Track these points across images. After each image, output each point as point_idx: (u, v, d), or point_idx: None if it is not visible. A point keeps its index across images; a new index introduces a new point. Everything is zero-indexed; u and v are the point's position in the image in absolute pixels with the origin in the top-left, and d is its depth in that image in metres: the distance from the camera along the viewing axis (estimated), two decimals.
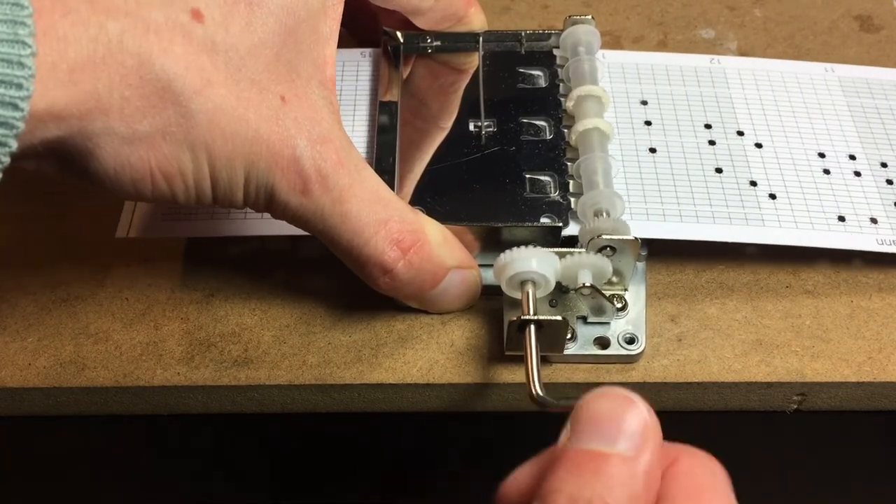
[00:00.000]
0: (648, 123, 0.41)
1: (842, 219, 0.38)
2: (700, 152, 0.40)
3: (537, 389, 0.31)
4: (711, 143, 0.40)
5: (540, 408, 0.31)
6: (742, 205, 0.38)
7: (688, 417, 0.38)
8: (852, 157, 0.40)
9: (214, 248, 0.40)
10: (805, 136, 0.41)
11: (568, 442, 0.25)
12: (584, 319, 0.37)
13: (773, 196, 0.38)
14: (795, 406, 0.38)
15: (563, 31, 0.42)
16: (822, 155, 0.40)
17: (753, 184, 0.39)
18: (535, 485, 0.25)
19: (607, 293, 0.36)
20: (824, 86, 0.43)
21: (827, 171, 0.40)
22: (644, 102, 0.42)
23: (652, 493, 0.25)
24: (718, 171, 0.39)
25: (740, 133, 0.41)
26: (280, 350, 0.37)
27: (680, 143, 0.40)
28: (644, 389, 0.37)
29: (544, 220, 0.37)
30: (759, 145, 0.40)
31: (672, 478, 0.25)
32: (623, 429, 0.25)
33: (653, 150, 0.40)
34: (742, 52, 0.48)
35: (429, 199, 0.37)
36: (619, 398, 0.26)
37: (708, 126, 0.41)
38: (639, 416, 0.25)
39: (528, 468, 0.26)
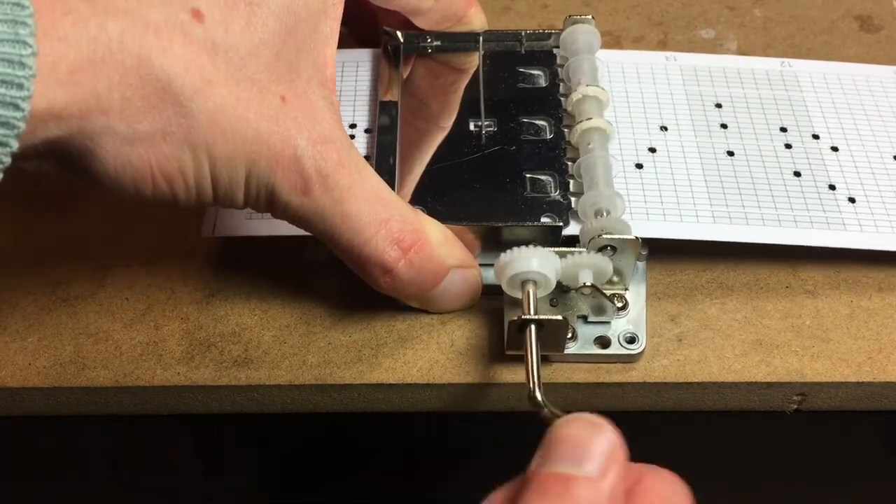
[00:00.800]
0: (724, 126, 0.41)
1: None
2: (777, 156, 0.40)
3: (536, 390, 0.31)
4: (788, 146, 0.40)
5: (533, 408, 0.31)
6: (822, 208, 0.38)
7: (688, 417, 0.38)
8: None
9: (214, 248, 0.40)
10: (879, 139, 0.41)
11: (538, 466, 0.26)
12: (584, 319, 0.37)
13: (852, 200, 0.38)
14: (795, 406, 0.38)
15: (563, 30, 0.42)
16: None
17: (832, 187, 0.39)
18: None
19: (608, 293, 0.36)
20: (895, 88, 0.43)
21: None
22: (719, 105, 0.42)
23: None
24: (797, 174, 0.39)
25: (815, 136, 0.41)
26: (280, 350, 0.37)
27: (757, 146, 0.40)
28: (644, 389, 0.37)
29: (545, 220, 0.37)
30: (835, 149, 0.40)
31: (637, 496, 0.26)
32: (589, 451, 0.26)
33: (731, 154, 0.40)
34: (742, 52, 0.48)
35: (429, 198, 0.37)
36: (587, 423, 0.27)
37: (783, 129, 0.41)
38: (605, 440, 0.27)
39: (503, 492, 0.27)
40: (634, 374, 0.36)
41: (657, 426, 0.38)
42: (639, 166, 0.39)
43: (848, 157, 0.40)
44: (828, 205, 0.38)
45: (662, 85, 0.43)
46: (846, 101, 0.42)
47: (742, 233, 0.37)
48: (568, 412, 0.29)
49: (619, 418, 0.38)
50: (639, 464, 0.27)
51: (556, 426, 0.27)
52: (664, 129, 0.41)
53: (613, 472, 0.26)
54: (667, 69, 0.43)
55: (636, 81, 0.43)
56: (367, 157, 0.39)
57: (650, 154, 0.40)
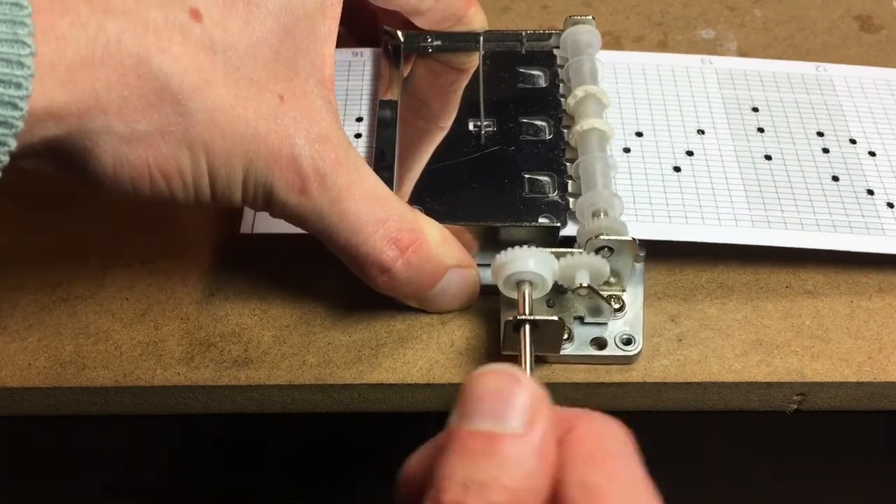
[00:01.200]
0: (761, 130, 0.41)
1: None
2: (815, 160, 0.40)
3: None
4: (825, 150, 0.40)
5: None
6: (861, 213, 0.38)
7: (688, 417, 0.38)
8: None
9: (214, 248, 0.40)
10: None
11: (457, 424, 0.25)
12: (581, 320, 0.37)
13: (890, 205, 0.38)
14: (795, 406, 0.38)
15: (563, 31, 0.42)
16: None
17: (871, 192, 0.39)
18: (429, 470, 0.25)
19: (605, 294, 0.36)
20: None
21: None
22: (755, 109, 0.42)
23: (549, 465, 0.24)
24: (835, 179, 0.39)
25: (853, 141, 0.41)
26: (280, 350, 0.37)
27: (794, 150, 0.40)
28: (644, 389, 0.37)
29: (542, 220, 0.37)
30: (872, 153, 0.40)
31: (569, 445, 0.25)
32: (511, 406, 0.24)
33: (768, 158, 0.40)
34: (742, 53, 0.48)
35: (428, 198, 0.37)
36: (504, 375, 0.25)
37: (820, 134, 0.41)
38: (527, 391, 0.25)
39: (423, 452, 0.26)
40: (634, 374, 0.36)
41: (657, 426, 0.38)
42: (677, 169, 0.39)
43: (885, 162, 0.40)
44: (867, 210, 0.38)
45: (699, 88, 0.43)
46: (882, 106, 0.43)
47: (781, 237, 0.37)
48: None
49: (618, 418, 0.38)
50: (570, 409, 0.26)
51: (471, 378, 0.25)
52: (701, 132, 0.41)
53: (540, 424, 0.24)
54: (703, 72, 0.43)
55: (672, 84, 0.43)
56: (366, 157, 0.39)
57: (688, 157, 0.40)
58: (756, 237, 0.37)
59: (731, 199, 0.38)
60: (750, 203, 0.38)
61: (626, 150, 0.40)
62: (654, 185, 0.38)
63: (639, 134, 0.41)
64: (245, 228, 0.38)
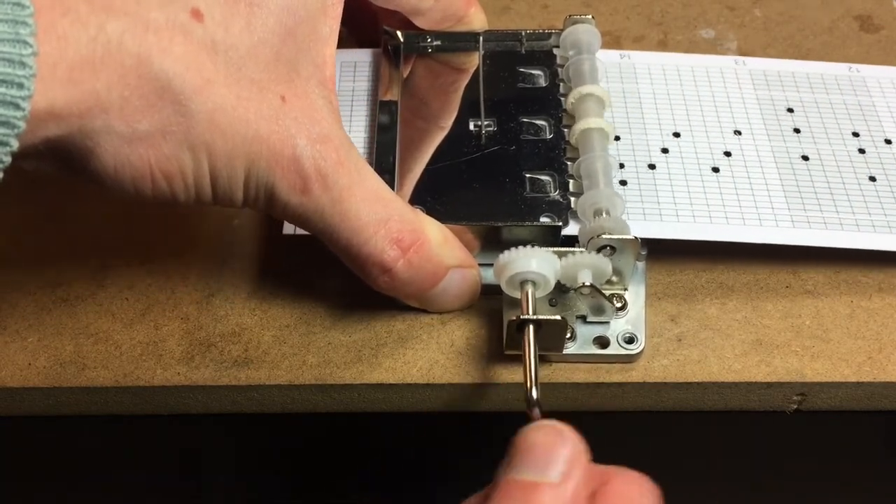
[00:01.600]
0: (797, 131, 0.41)
1: None
2: (852, 161, 0.40)
3: (533, 390, 0.31)
4: (861, 151, 0.41)
5: (527, 408, 0.31)
6: None
7: (688, 417, 0.38)
8: None
9: (214, 248, 0.40)
10: None
11: (503, 474, 0.27)
12: (583, 319, 0.37)
13: None
14: (795, 406, 0.38)
15: (563, 30, 0.42)
16: None
17: None
18: None
19: (607, 293, 0.36)
20: None
21: None
22: (790, 110, 0.42)
23: None
24: (872, 179, 0.39)
25: (888, 141, 0.41)
26: (280, 350, 0.37)
27: (831, 151, 0.40)
28: (644, 389, 0.37)
29: (544, 220, 0.37)
30: None
31: (603, 498, 0.27)
32: (552, 458, 0.27)
33: (805, 158, 0.40)
34: (742, 52, 0.48)
35: (429, 198, 0.37)
36: (550, 430, 0.28)
37: (855, 134, 0.41)
38: (568, 445, 0.27)
39: (473, 501, 0.28)
40: (634, 374, 0.36)
41: (657, 426, 0.38)
42: (715, 170, 0.39)
43: None
44: None
45: (733, 89, 0.43)
46: None
47: (822, 237, 0.37)
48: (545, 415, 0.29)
49: (619, 418, 0.38)
50: (606, 466, 0.28)
51: (520, 434, 0.28)
52: (738, 133, 0.41)
53: (576, 475, 0.27)
54: (737, 73, 0.44)
55: (707, 85, 0.43)
56: (366, 157, 0.39)
57: (725, 158, 0.40)
58: (797, 238, 0.37)
59: (770, 200, 0.38)
60: (789, 204, 0.38)
61: (665, 151, 0.40)
62: (694, 185, 0.39)
63: (676, 134, 0.41)
64: (287, 229, 0.38)
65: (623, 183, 0.39)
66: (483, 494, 0.27)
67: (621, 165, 0.39)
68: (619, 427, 0.38)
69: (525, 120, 0.40)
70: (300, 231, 0.36)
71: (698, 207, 0.38)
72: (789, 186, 0.39)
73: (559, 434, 0.27)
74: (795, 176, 0.39)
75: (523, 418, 0.33)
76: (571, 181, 0.38)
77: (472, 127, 0.40)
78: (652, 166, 0.39)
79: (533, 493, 0.26)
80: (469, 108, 0.41)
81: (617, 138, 0.40)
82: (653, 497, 0.27)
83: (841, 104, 0.42)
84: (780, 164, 0.40)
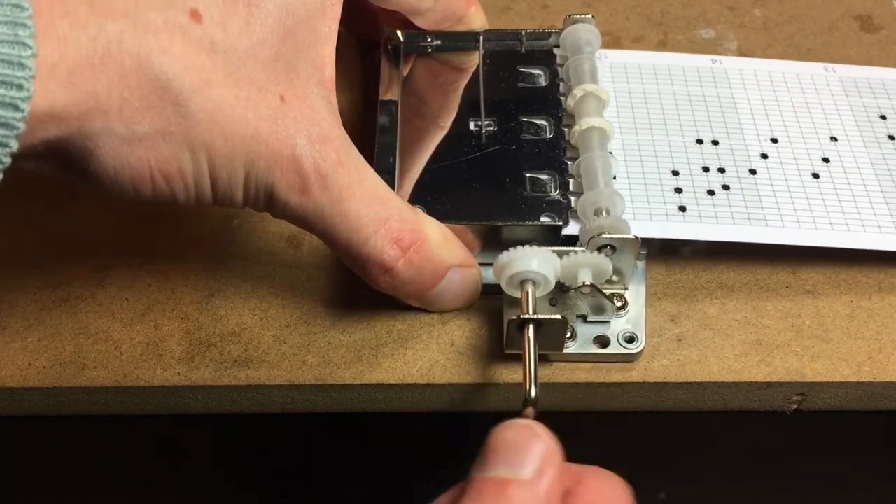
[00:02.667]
0: (892, 138, 0.41)
1: None
2: None
3: (532, 389, 0.31)
4: None
5: (522, 406, 0.31)
6: None
7: (688, 417, 0.38)
8: None
9: (214, 248, 0.40)
10: None
11: (476, 472, 0.27)
12: (583, 318, 0.37)
13: None
14: (795, 406, 0.38)
15: (562, 30, 0.42)
16: None
17: None
18: None
19: (607, 292, 0.36)
20: None
21: None
22: (883, 117, 0.42)
23: None
24: None
25: None
26: (280, 350, 0.37)
27: None
28: (644, 389, 0.37)
29: (544, 219, 0.37)
30: None
31: (574, 497, 0.27)
32: (525, 456, 0.27)
33: None
34: (742, 53, 0.48)
35: (429, 197, 0.37)
36: (522, 428, 0.27)
37: None
38: (541, 443, 0.27)
39: (443, 500, 0.28)
40: (634, 374, 0.36)
41: (657, 426, 0.38)
42: (815, 175, 0.40)
43: None
44: None
45: (826, 96, 0.43)
46: None
47: None
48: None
49: (619, 418, 0.38)
50: (579, 465, 0.28)
51: (492, 432, 0.28)
52: (834, 139, 0.41)
53: (549, 474, 0.26)
54: (828, 80, 0.44)
55: (800, 92, 0.43)
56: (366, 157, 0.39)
57: (824, 164, 0.40)
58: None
59: (871, 206, 0.39)
60: (891, 210, 0.38)
61: (764, 156, 0.40)
62: (796, 191, 0.39)
63: (773, 140, 0.41)
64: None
65: (726, 188, 0.39)
66: (457, 489, 0.27)
67: (721, 170, 0.40)
68: (619, 427, 0.38)
69: (525, 119, 0.40)
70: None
71: (802, 213, 0.38)
72: (889, 193, 0.39)
73: (532, 431, 0.27)
74: (895, 182, 0.40)
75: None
76: (571, 180, 0.38)
77: (472, 126, 0.40)
78: (753, 171, 0.40)
79: (505, 489, 0.26)
80: (469, 107, 0.41)
81: (715, 142, 0.41)
82: (626, 496, 0.27)
83: None
84: (878, 170, 0.40)
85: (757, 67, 0.44)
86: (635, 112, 0.42)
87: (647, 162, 0.40)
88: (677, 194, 0.38)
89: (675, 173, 0.39)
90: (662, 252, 0.39)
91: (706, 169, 0.40)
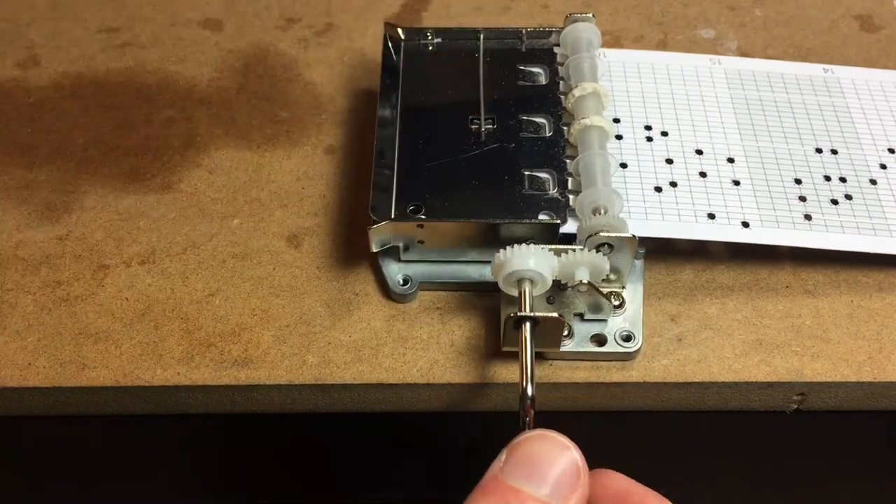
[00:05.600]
0: None
1: None
2: None
3: (529, 387, 0.31)
4: None
5: (519, 404, 0.31)
6: None
7: (688, 417, 0.38)
8: None
9: (215, 248, 0.40)
10: None
11: (500, 472, 0.26)
12: (581, 317, 0.37)
13: None
14: (795, 406, 0.38)
15: (563, 28, 0.42)
16: None
17: None
18: None
19: (605, 290, 0.36)
20: None
21: None
22: None
23: None
24: None
25: None
26: (280, 350, 0.37)
27: None
28: (644, 389, 0.37)
29: (543, 217, 0.37)
30: None
31: None
32: (551, 474, 0.26)
33: None
34: (742, 53, 0.48)
35: (428, 195, 0.37)
36: (555, 443, 0.26)
37: None
38: (570, 464, 0.26)
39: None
40: (634, 374, 0.36)
41: (657, 426, 0.38)
42: (873, 182, 0.40)
43: None
44: None
45: (882, 105, 0.43)
46: None
47: None
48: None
49: (619, 418, 0.38)
50: (633, 483, 0.27)
51: (525, 438, 0.27)
52: (892, 151, 0.41)
53: (570, 499, 0.26)
54: (883, 87, 0.44)
55: (870, 99, 0.43)
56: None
57: (882, 171, 0.40)
58: None
59: None
60: None
61: (883, 167, 0.41)
62: (855, 196, 0.39)
63: (891, 150, 0.41)
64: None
65: (848, 197, 0.39)
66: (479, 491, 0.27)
67: (842, 179, 0.40)
68: (619, 427, 0.38)
69: (525, 118, 0.40)
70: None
71: (862, 219, 0.38)
72: None
73: (562, 449, 0.26)
74: None
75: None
76: (570, 179, 0.38)
77: (471, 124, 0.40)
78: (873, 181, 0.40)
79: (524, 501, 0.25)
80: (469, 105, 0.41)
81: (834, 152, 0.41)
82: None
83: None
84: None
85: (868, 77, 0.44)
86: (753, 119, 0.42)
87: (769, 169, 0.40)
88: (801, 203, 0.39)
89: (798, 181, 0.40)
90: (661, 252, 0.39)
91: (828, 178, 0.40)
